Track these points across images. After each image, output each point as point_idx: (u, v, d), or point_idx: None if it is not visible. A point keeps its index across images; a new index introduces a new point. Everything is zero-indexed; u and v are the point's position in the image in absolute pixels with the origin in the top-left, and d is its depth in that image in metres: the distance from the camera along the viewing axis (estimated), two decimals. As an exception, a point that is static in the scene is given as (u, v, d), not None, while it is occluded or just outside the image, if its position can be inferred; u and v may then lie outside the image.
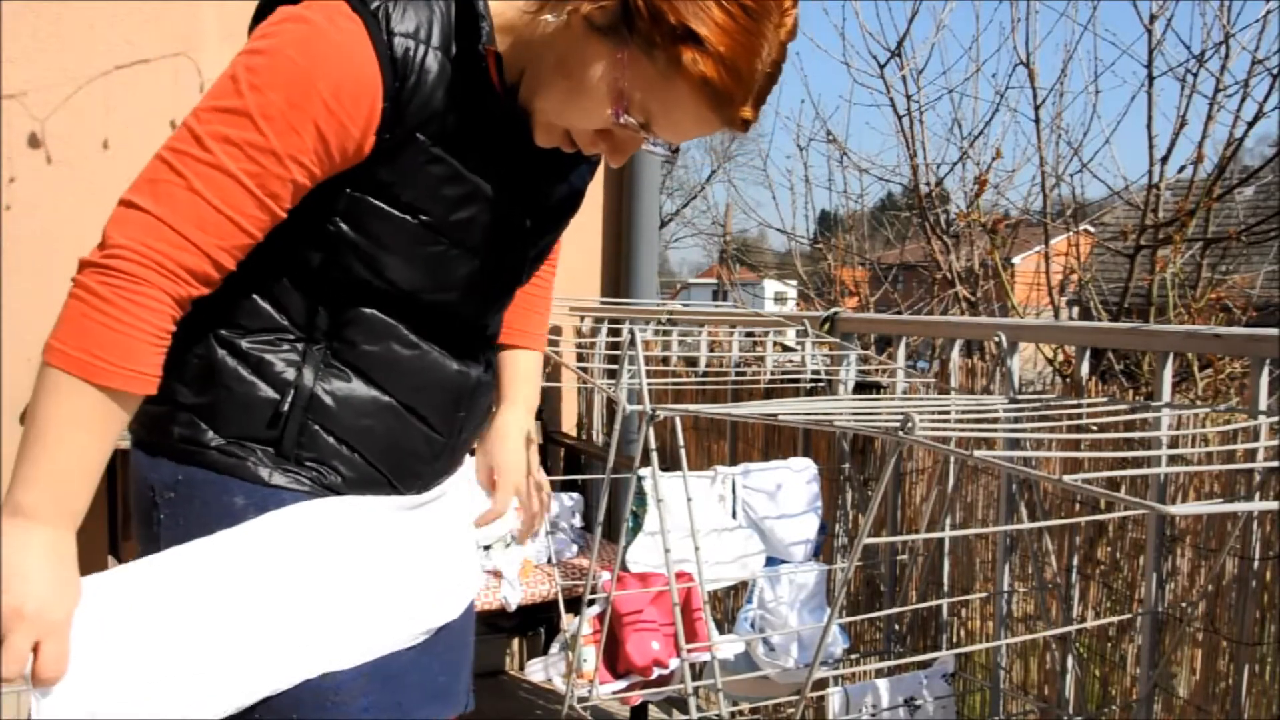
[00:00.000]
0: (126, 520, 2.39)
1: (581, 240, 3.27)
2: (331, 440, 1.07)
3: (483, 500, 1.38)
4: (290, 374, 1.05)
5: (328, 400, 1.07)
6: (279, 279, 1.06)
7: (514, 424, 1.39)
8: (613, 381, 2.69)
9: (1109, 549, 2.15)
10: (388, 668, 1.13)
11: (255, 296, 1.06)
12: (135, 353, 0.94)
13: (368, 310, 1.07)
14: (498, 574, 2.42)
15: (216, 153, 0.94)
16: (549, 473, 3.02)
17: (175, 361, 1.07)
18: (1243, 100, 3.43)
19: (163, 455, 1.07)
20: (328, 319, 1.07)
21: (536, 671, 2.23)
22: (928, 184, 4.51)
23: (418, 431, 1.13)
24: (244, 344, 1.05)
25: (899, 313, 5.02)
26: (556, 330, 3.14)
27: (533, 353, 1.42)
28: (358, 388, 1.08)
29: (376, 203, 1.03)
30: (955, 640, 2.40)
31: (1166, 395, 1.83)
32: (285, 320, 1.06)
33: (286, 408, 1.05)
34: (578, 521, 2.72)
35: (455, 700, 1.25)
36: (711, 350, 3.02)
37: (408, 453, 1.13)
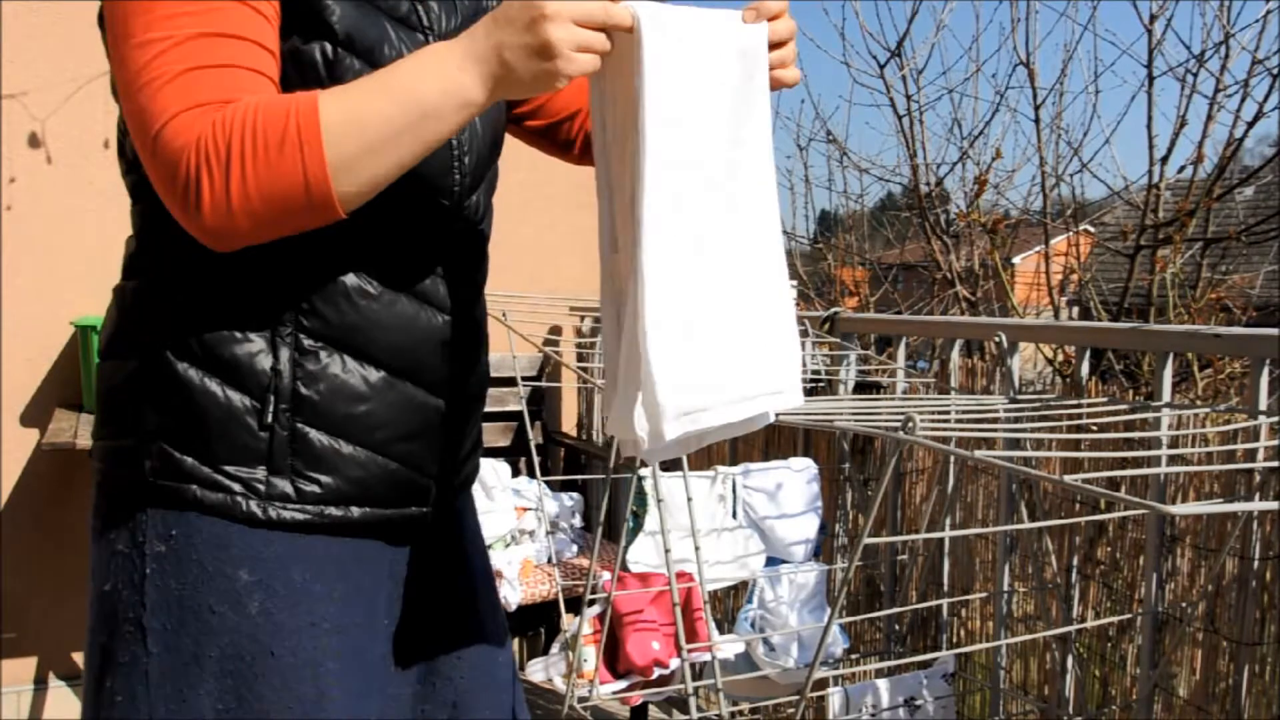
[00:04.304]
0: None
1: (582, 240, 3.26)
2: (330, 442, 0.95)
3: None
4: (265, 368, 0.93)
5: (312, 394, 0.94)
6: (229, 262, 0.90)
7: None
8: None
9: (1109, 549, 2.15)
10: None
11: (210, 287, 0.94)
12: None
13: (328, 266, 0.95)
14: (498, 574, 2.42)
15: (163, 38, 0.88)
16: (548, 473, 3.03)
17: (137, 381, 0.95)
18: (1243, 100, 3.44)
19: (145, 501, 0.93)
20: (291, 289, 0.94)
21: (537, 671, 2.23)
22: (928, 184, 4.51)
23: (420, 400, 1.01)
24: (206, 347, 0.92)
25: (899, 313, 5.02)
26: (556, 330, 3.14)
27: None
28: (341, 366, 0.96)
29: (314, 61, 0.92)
30: (955, 640, 2.40)
31: (1166, 395, 1.83)
32: (246, 306, 0.93)
33: (270, 417, 0.93)
34: (578, 521, 2.72)
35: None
36: (711, 350, 3.01)
37: (416, 430, 1.02)
